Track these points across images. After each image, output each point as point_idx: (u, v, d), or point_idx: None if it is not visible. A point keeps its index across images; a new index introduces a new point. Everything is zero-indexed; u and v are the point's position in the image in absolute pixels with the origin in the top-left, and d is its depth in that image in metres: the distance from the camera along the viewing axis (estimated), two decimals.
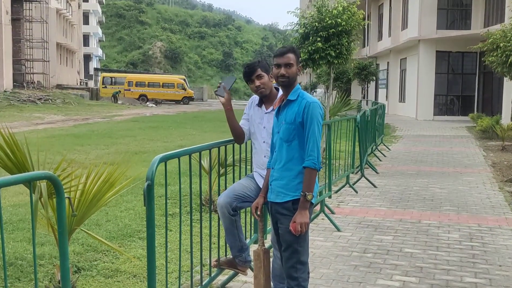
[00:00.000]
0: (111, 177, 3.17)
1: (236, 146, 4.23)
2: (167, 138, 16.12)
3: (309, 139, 2.99)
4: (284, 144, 3.08)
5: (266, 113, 3.62)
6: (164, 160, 2.96)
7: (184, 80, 50.43)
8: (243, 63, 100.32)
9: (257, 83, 3.50)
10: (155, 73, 65.49)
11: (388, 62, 31.91)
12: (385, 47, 31.17)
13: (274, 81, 3.58)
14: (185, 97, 47.53)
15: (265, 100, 3.65)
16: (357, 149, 8.70)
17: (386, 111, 24.31)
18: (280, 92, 3.63)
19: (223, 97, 3.55)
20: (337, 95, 14.39)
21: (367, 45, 35.88)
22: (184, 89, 47.63)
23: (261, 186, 3.64)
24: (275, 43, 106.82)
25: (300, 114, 3.03)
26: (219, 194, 3.77)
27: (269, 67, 3.58)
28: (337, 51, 10.30)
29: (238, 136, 3.68)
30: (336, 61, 10.40)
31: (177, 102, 47.49)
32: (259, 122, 3.63)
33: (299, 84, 3.23)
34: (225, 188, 3.91)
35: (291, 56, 3.08)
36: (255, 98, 3.70)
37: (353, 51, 10.69)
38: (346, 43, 10.39)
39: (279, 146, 3.12)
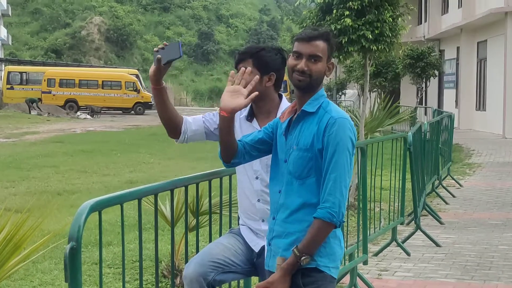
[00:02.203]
0: (17, 234, 3.18)
1: (215, 183, 4.23)
2: (108, 169, 16.14)
3: (329, 176, 3.03)
4: (294, 181, 3.13)
5: (259, 131, 3.63)
6: (98, 208, 2.98)
7: (137, 76, 50.84)
8: (230, 49, 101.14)
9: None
10: (91, 66, 65.92)
11: (458, 48, 32.19)
12: (453, 24, 31.49)
13: (272, 86, 3.63)
14: (139, 103, 47.87)
15: (257, 111, 3.70)
16: (409, 185, 8.71)
17: (456, 125, 24.39)
18: (284, 102, 3.69)
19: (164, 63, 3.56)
20: (378, 100, 14.49)
21: (425, 21, 36.26)
22: (137, 90, 47.98)
23: (252, 246, 3.67)
24: (280, 18, 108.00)
25: (320, 136, 3.08)
26: (187, 261, 3.77)
27: (276, 63, 3.65)
28: (377, 31, 10.40)
29: (169, 125, 3.75)
30: (375, 47, 10.48)
31: (126, 110, 47.74)
32: None
33: (323, 89, 3.27)
34: (197, 251, 3.90)
35: (321, 45, 3.15)
36: None
37: (401, 31, 10.79)
38: (390, 19, 10.50)
39: (286, 183, 3.17)
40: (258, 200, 3.65)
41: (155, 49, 3.56)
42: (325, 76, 3.20)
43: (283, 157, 3.22)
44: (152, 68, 3.60)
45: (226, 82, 3.17)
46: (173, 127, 3.77)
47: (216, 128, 3.77)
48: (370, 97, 29.61)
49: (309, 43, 3.13)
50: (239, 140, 3.34)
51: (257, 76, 3.41)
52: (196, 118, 3.83)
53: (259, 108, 3.70)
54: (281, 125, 3.28)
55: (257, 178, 3.66)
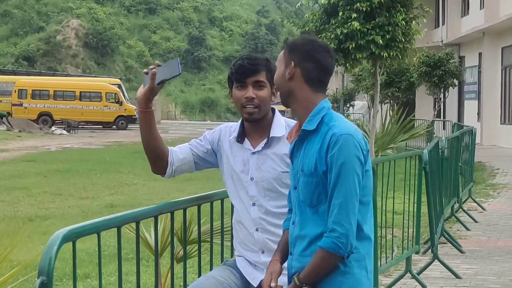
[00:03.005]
0: None
1: (206, 208, 4.23)
2: (86, 191, 16.12)
3: (334, 202, 3.04)
4: (307, 209, 3.15)
5: (253, 153, 3.67)
6: (73, 237, 2.97)
7: (120, 86, 50.93)
8: (224, 56, 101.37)
9: (252, 93, 3.63)
10: (68, 75, 66.04)
11: (480, 54, 32.26)
12: (474, 27, 31.58)
13: (274, 99, 3.69)
14: (121, 116, 47.96)
15: (250, 130, 3.72)
16: (425, 209, 8.70)
17: (478, 141, 24.44)
18: (277, 118, 3.72)
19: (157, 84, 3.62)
20: (390, 113, 14.55)
21: (443, 24, 36.37)
22: (119, 102, 48.06)
23: (250, 280, 3.68)
24: (280, 20, 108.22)
25: (323, 157, 3.08)
26: None
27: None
28: (388, 35, 10.45)
29: (155, 156, 3.78)
30: (386, 54, 10.52)
31: (106, 125, 47.78)
32: (242, 169, 3.70)
33: (327, 98, 3.28)
34: (185, 285, 3.92)
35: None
36: (231, 127, 3.81)
37: (416, 36, 10.84)
38: (403, 22, 10.54)
39: (300, 213, 3.19)
40: (257, 229, 3.65)
41: (150, 67, 3.59)
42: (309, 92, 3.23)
43: (293, 183, 3.25)
44: (141, 89, 3.61)
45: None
46: (158, 158, 3.77)
47: (206, 152, 3.80)
48: (381, 109, 29.75)
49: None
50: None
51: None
52: (182, 147, 3.85)
53: (254, 127, 3.71)
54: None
55: (254, 204, 3.67)
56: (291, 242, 3.22)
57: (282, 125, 3.71)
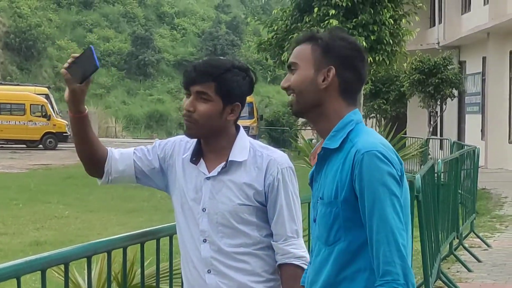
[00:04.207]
0: None
1: (151, 247, 4.23)
2: (6, 226, 15.99)
3: (377, 237, 2.96)
4: (323, 249, 3.12)
5: (208, 178, 3.67)
6: None
7: (47, 96, 50.65)
8: (175, 60, 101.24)
9: (190, 105, 3.63)
10: None
11: (484, 58, 32.49)
12: (477, 26, 31.79)
13: (230, 117, 3.67)
14: (49, 133, 47.62)
15: (206, 149, 3.72)
16: (418, 246, 8.76)
17: (482, 163, 24.59)
18: (242, 136, 3.73)
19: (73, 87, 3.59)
20: (376, 129, 14.64)
21: (440, 23, 36.64)
22: (47, 116, 47.77)
23: None
24: (244, 17, 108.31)
25: (344, 181, 3.02)
26: None
27: (242, 90, 3.71)
28: (373, 36, 10.54)
29: (90, 163, 3.79)
30: (370, 58, 10.61)
31: (31, 144, 47.39)
32: (194, 197, 3.68)
33: (357, 109, 3.22)
34: None
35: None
36: (188, 142, 3.80)
37: (406, 37, 10.93)
38: (391, 20, 10.64)
39: (317, 251, 3.16)
40: (209, 271, 3.64)
41: (64, 65, 3.58)
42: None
43: (312, 215, 3.21)
44: (67, 91, 3.62)
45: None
46: (93, 165, 3.79)
47: (152, 169, 3.80)
48: (365, 125, 29.89)
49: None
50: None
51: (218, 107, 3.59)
52: (125, 154, 3.82)
53: (209, 146, 3.70)
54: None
55: (205, 241, 3.65)
56: (309, 283, 3.19)
57: (245, 147, 3.69)
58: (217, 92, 3.61)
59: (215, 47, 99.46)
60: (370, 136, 3.08)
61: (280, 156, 3.72)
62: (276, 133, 52.71)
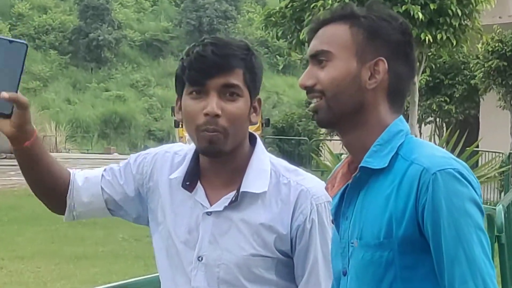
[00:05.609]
0: None
1: None
2: None
3: (460, 286, 2.91)
4: None
5: (209, 213, 3.62)
6: None
7: None
8: (143, 39, 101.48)
9: (217, 107, 3.52)
10: None
11: None
12: None
13: (254, 119, 3.68)
14: None
15: (208, 169, 3.68)
16: None
17: None
18: (258, 155, 3.67)
19: (6, 114, 3.39)
20: (436, 139, 14.75)
21: None
22: None
23: None
24: None
25: (404, 213, 2.99)
26: None
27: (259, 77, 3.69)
28: (432, 5, 10.59)
29: (52, 193, 3.77)
30: (429, 36, 10.66)
31: None
32: (185, 240, 3.64)
33: (402, 116, 3.23)
34: None
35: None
36: (176, 154, 3.80)
37: (480, 7, 10.98)
38: None
39: None
40: None
41: None
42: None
43: (340, 266, 3.20)
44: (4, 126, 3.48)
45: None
46: (57, 197, 3.79)
47: (126, 198, 3.78)
48: (420, 133, 29.94)
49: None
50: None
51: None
52: (91, 180, 3.83)
53: (213, 165, 3.67)
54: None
55: None
56: None
57: (264, 171, 3.65)
58: (245, 83, 3.58)
59: (200, 21, 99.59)
60: (434, 149, 3.09)
61: (315, 186, 3.64)
62: (289, 145, 51.97)
